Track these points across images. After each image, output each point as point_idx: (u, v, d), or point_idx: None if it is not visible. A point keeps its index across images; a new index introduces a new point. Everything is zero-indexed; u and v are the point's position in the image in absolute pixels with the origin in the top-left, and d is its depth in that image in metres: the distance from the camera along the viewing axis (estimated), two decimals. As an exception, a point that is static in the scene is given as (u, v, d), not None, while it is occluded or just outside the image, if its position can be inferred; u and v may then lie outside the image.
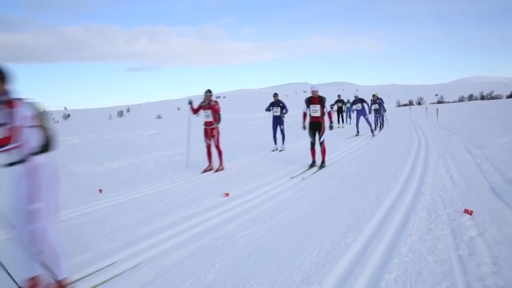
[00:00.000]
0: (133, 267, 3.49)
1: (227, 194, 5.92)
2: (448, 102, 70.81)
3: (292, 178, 7.07)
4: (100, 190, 6.69)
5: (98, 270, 3.45)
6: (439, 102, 75.13)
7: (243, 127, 23.39)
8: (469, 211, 4.44)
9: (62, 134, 23.75)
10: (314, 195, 5.80)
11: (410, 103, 76.11)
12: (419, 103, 76.32)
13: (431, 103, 64.01)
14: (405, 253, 3.47)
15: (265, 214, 4.93)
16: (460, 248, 3.54)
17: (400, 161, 8.16)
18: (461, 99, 77.24)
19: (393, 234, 3.97)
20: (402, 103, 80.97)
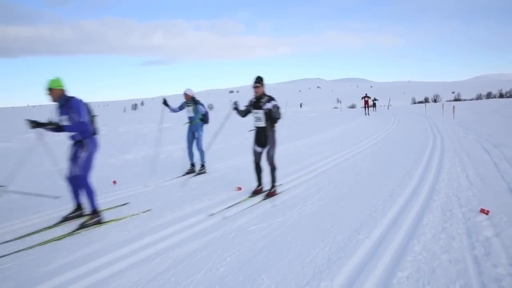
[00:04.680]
0: (146, 258, 3.54)
1: (239, 188, 5.94)
2: (465, 100, 69.50)
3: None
4: (114, 182, 6.78)
5: (111, 260, 3.50)
6: (456, 99, 73.79)
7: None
8: (486, 211, 4.35)
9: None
10: (326, 191, 5.77)
11: (426, 100, 74.96)
12: (435, 101, 75.10)
13: (447, 101, 62.89)
14: (419, 251, 3.43)
15: (277, 209, 4.93)
16: (475, 248, 3.48)
17: (414, 159, 8.04)
18: (479, 97, 75.68)
19: (407, 232, 3.92)
20: (417, 100, 79.74)
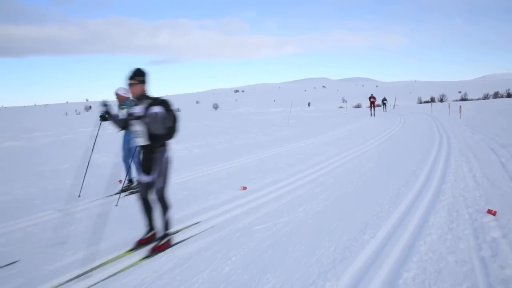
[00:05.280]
0: (152, 256, 3.55)
1: (244, 188, 5.94)
2: (472, 100, 68.99)
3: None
4: (120, 181, 6.81)
5: (117, 259, 3.52)
6: (463, 99, 73.22)
7: (262, 122, 23.35)
8: (493, 212, 4.32)
9: (84, 125, 24.27)
10: (332, 190, 5.76)
11: (432, 100, 74.53)
12: (441, 100, 74.65)
13: (453, 100, 62.47)
14: (425, 252, 3.40)
15: (282, 208, 4.93)
16: (482, 249, 3.45)
17: (420, 159, 8.00)
18: (486, 97, 75.06)
19: (412, 232, 3.90)
20: (423, 100, 79.32)
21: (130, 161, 6.24)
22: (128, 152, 6.24)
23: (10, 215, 5.04)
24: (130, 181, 6.33)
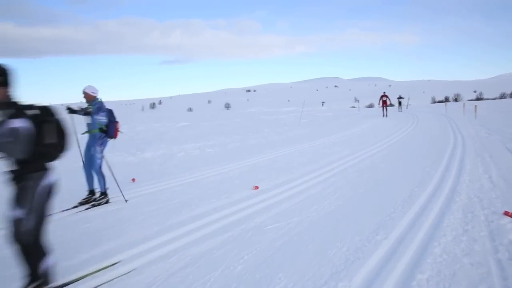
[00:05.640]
0: (164, 255, 3.58)
1: (256, 187, 5.94)
2: (487, 99, 67.71)
3: None
4: (133, 180, 6.89)
5: (131, 256, 3.56)
6: (478, 99, 71.93)
7: (274, 121, 23.32)
8: (510, 213, 4.23)
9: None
10: (344, 191, 5.72)
11: (446, 100, 73.45)
12: (455, 100, 73.53)
13: (469, 100, 61.41)
14: (439, 254, 3.36)
15: (294, 208, 4.91)
16: (499, 251, 3.39)
17: (434, 159, 7.89)
18: (503, 96, 73.59)
19: (426, 234, 3.85)
20: (437, 99, 78.17)
21: (93, 169, 5.57)
22: (89, 159, 5.57)
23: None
24: (92, 192, 5.59)
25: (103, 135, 5.60)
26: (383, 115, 24.88)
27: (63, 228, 4.42)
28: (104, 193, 5.57)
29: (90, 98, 5.56)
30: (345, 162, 8.18)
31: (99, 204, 5.37)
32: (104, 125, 5.57)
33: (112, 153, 10.03)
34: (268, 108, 56.40)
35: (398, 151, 9.66)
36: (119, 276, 3.18)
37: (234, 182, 6.49)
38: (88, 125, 5.56)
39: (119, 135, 5.92)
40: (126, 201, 5.48)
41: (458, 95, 79.64)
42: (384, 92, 26.64)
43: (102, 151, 5.60)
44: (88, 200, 5.48)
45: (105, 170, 5.71)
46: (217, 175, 7.18)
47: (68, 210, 5.11)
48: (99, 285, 3.04)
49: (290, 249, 3.60)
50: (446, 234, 3.80)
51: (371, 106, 73.44)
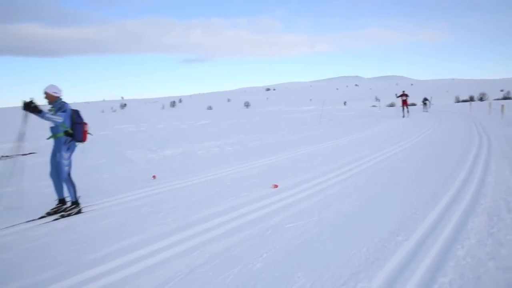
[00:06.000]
0: (184, 251, 3.63)
1: (275, 186, 5.95)
2: (515, 99, 65.45)
3: None
4: (154, 176, 7.00)
5: (151, 251, 3.63)
6: (505, 98, 69.54)
7: (294, 120, 23.25)
8: (537, 217, 4.10)
9: (119, 122, 25.07)
10: (364, 190, 5.66)
11: (471, 99, 71.46)
12: (481, 99, 71.45)
13: (495, 99, 59.54)
14: (462, 257, 3.28)
15: (313, 207, 4.89)
16: (526, 256, 3.28)
17: (458, 160, 7.70)
18: (532, 95, 70.99)
19: (449, 236, 3.77)
20: (461, 98, 76.18)
21: (60, 177, 5.03)
22: (55, 166, 5.03)
23: (51, 207, 5.29)
24: (61, 201, 5.11)
25: (70, 139, 5.05)
26: (403, 116, 23.53)
27: (90, 221, 4.55)
28: (75, 203, 5.05)
29: (52, 99, 5.01)
30: (365, 162, 8.08)
31: (68, 215, 4.89)
32: (69, 127, 5.04)
33: (133, 150, 10.24)
34: (287, 107, 56.22)
35: (420, 151, 9.47)
36: (140, 271, 3.24)
37: (253, 181, 6.51)
38: (52, 129, 5.01)
39: (88, 137, 5.34)
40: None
41: (483, 94, 77.34)
42: (404, 91, 24.80)
43: (69, 157, 5.07)
44: (57, 210, 4.98)
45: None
46: (237, 173, 7.22)
47: (35, 221, 4.72)
48: (120, 279, 3.11)
49: (309, 249, 3.59)
50: (470, 237, 3.71)
51: (392, 105, 72.23)
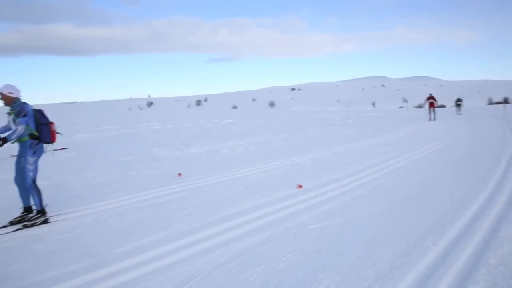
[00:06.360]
0: (208, 248, 3.67)
1: (300, 186, 5.92)
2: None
3: None
4: (180, 174, 7.11)
5: (176, 248, 3.69)
6: (542, 100, 66.35)
7: (319, 120, 23.05)
8: None
9: (146, 120, 25.59)
10: (390, 193, 5.55)
11: (505, 101, 68.71)
12: (516, 101, 68.54)
13: (531, 102, 56.90)
14: (494, 265, 3.15)
15: (339, 208, 4.84)
16: None
17: (490, 165, 7.42)
18: None
19: (480, 243, 3.63)
20: (494, 100, 73.35)
21: (25, 183, 4.57)
22: (20, 172, 4.60)
23: (82, 200, 5.48)
24: (27, 210, 4.67)
25: (36, 142, 4.61)
26: (429, 119, 22.66)
27: (117, 215, 4.68)
28: (41, 211, 4.59)
29: (9, 100, 4.55)
30: (392, 163, 7.92)
31: (32, 225, 4.46)
32: (34, 129, 4.59)
33: (159, 147, 10.43)
34: (312, 107, 55.82)
35: (450, 154, 9.20)
36: (164, 266, 3.30)
37: (278, 180, 6.50)
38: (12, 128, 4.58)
39: (57, 137, 4.96)
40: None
41: (518, 96, 74.18)
42: (430, 94, 24.22)
43: (35, 161, 4.61)
44: (22, 219, 4.57)
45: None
46: (261, 173, 7.23)
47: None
48: (145, 274, 3.17)
49: (333, 250, 3.55)
50: (503, 244, 3.56)
51: (420, 106, 70.48)
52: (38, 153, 4.65)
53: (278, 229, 4.14)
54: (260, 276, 3.07)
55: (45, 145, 4.80)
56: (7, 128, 4.61)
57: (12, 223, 4.51)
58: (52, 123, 4.83)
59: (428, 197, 5.28)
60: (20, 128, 4.36)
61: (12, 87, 4.57)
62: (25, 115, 4.46)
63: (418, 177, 6.56)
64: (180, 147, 10.70)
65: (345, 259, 3.35)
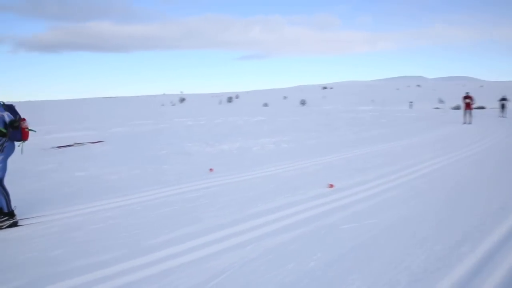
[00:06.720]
0: (239, 244, 3.71)
1: (331, 185, 5.87)
2: None
3: None
4: (211, 170, 7.22)
5: (207, 242, 3.76)
6: None
7: (351, 120, 22.69)
8: None
9: (179, 115, 26.10)
10: (425, 196, 5.40)
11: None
12: None
13: None
14: (538, 278, 3.01)
15: (370, 210, 4.77)
16: None
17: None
18: None
19: (522, 252, 3.48)
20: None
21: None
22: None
23: (116, 193, 5.68)
24: (8, 213, 4.29)
25: (3, 139, 4.26)
26: (464, 122, 19.89)
27: (146, 209, 4.83)
28: (9, 214, 4.28)
29: None
30: (427, 166, 7.68)
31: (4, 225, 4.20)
32: (2, 127, 4.24)
33: (192, 143, 10.62)
34: (344, 106, 55.00)
35: (489, 158, 8.81)
36: (194, 259, 3.37)
37: (308, 179, 6.47)
38: None
39: (30, 134, 4.59)
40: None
41: None
42: (467, 93, 21.28)
43: (3, 160, 4.28)
44: None
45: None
46: (292, 171, 7.22)
47: None
48: (175, 266, 3.25)
49: (365, 251, 3.50)
50: (547, 255, 3.39)
51: (457, 108, 67.75)
52: (6, 152, 4.31)
53: (309, 228, 4.13)
54: (290, 274, 3.08)
55: (16, 143, 4.49)
56: None
57: None
58: (23, 119, 4.45)
59: (465, 202, 5.09)
60: (6, 117, 4.21)
61: None
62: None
63: (455, 181, 6.34)
64: (212, 143, 10.85)
65: (377, 261, 3.29)
